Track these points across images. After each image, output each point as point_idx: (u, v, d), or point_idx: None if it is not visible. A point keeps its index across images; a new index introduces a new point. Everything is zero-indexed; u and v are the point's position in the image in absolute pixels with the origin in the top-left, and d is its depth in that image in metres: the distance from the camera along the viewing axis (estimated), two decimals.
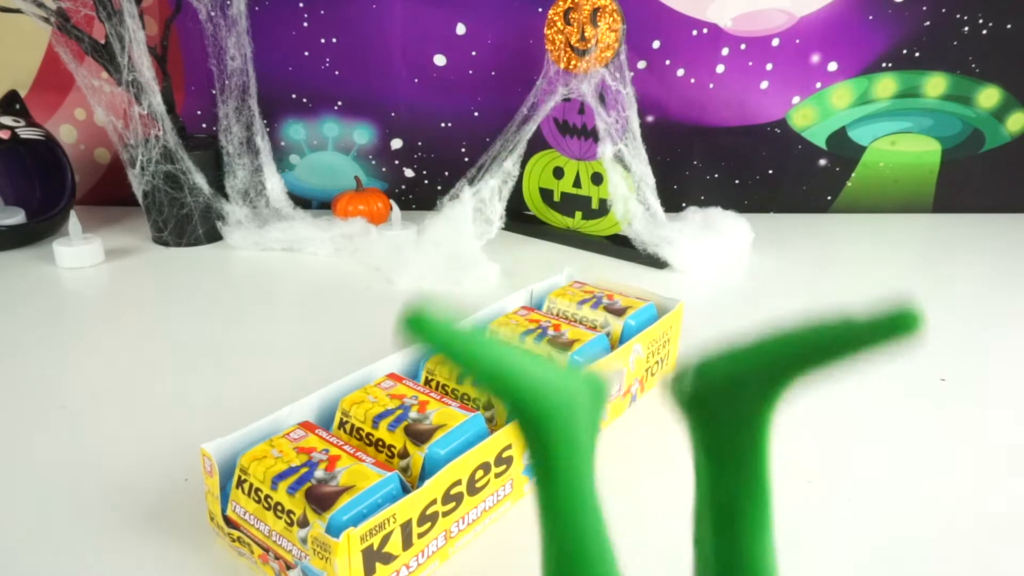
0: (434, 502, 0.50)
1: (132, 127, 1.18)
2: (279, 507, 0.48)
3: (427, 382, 0.66)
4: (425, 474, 0.53)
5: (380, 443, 0.55)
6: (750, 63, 1.37)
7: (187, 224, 1.24)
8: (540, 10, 1.31)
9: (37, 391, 0.77)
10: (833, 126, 1.42)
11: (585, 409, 0.25)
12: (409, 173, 1.48)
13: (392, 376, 0.63)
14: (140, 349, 0.88)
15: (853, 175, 1.46)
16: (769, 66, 1.37)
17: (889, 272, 1.18)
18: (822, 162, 1.45)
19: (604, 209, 1.24)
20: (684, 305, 0.79)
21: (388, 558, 0.47)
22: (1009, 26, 1.33)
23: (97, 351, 0.88)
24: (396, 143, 1.45)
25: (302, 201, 1.46)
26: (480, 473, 0.53)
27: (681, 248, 1.14)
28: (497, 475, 0.55)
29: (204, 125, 1.43)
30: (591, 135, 1.21)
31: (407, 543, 0.48)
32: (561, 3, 1.16)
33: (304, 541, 0.46)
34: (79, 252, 1.15)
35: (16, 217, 1.27)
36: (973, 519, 0.57)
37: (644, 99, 1.32)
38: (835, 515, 0.58)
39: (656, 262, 1.16)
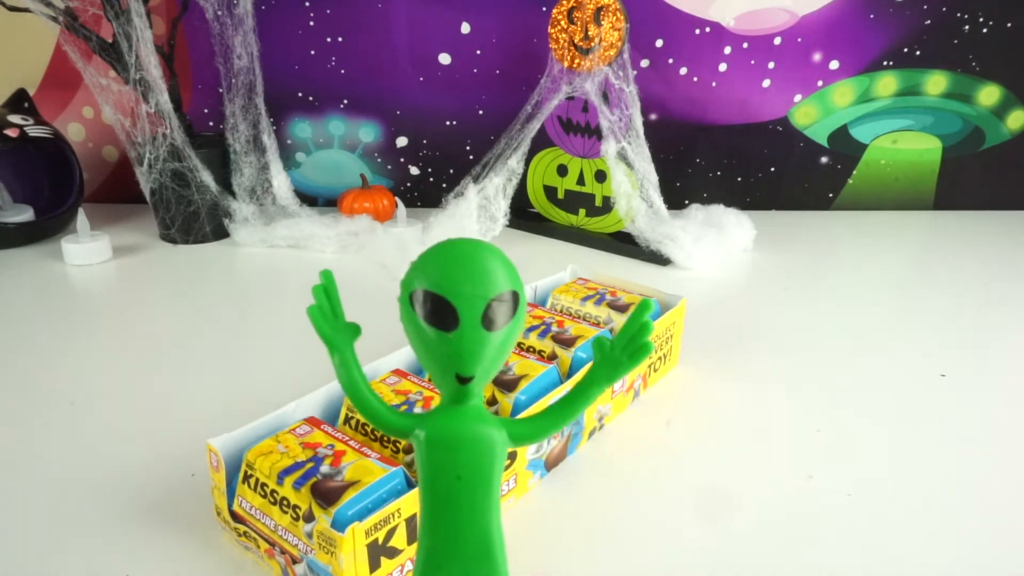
0: None
1: (140, 125, 1.19)
2: (285, 502, 0.49)
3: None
4: None
5: (385, 438, 0.56)
6: (752, 61, 1.37)
7: (194, 221, 1.25)
8: (544, 9, 1.32)
9: (45, 387, 0.78)
10: (834, 124, 1.43)
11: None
12: (414, 171, 1.49)
13: (397, 372, 0.64)
14: (147, 345, 0.89)
15: (854, 173, 1.47)
16: (771, 64, 1.37)
17: (890, 269, 1.19)
18: (824, 160, 1.46)
19: (607, 206, 1.24)
20: (687, 301, 0.80)
21: (393, 552, 0.48)
22: (1009, 24, 1.33)
23: (105, 347, 0.89)
24: (401, 141, 1.46)
25: (308, 198, 1.47)
26: None
27: (684, 245, 1.14)
28: None
29: (211, 123, 1.44)
30: (595, 133, 1.21)
31: (412, 537, 0.49)
32: (565, 2, 1.17)
33: (310, 536, 0.47)
34: (87, 249, 1.16)
35: (25, 215, 1.28)
36: (973, 514, 0.58)
37: (647, 97, 1.32)
38: (835, 510, 0.58)
39: (659, 259, 1.17)
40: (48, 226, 1.28)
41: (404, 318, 0.33)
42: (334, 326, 0.36)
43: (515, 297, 0.32)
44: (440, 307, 0.31)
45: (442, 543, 0.35)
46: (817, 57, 1.37)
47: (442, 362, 0.33)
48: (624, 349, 0.35)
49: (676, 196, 1.43)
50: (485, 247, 0.32)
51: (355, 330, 0.37)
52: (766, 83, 1.39)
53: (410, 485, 0.50)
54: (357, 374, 0.37)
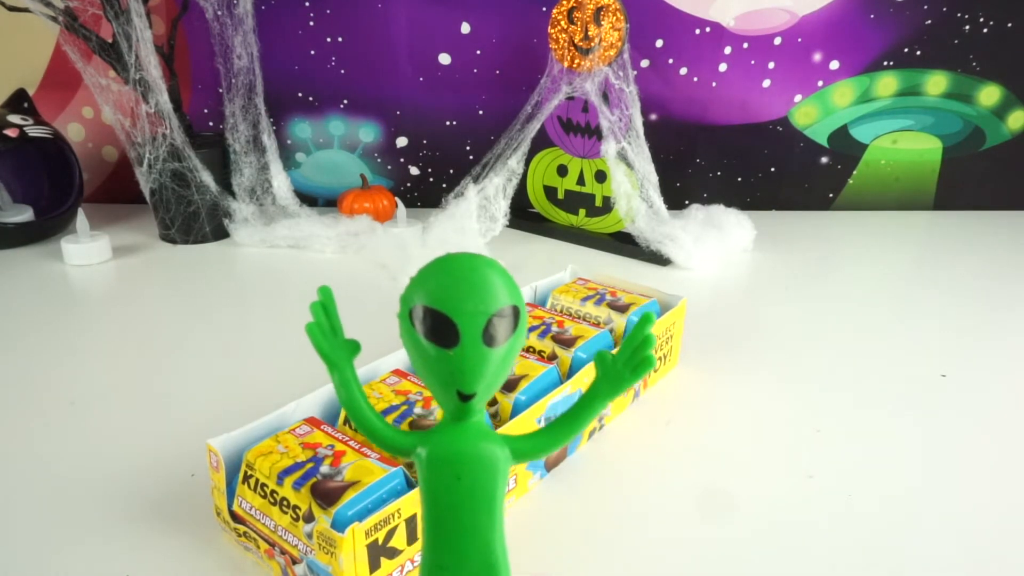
0: None
1: (139, 125, 1.19)
2: (285, 502, 0.49)
3: None
4: None
5: None
6: (752, 61, 1.37)
7: (194, 222, 1.25)
8: (544, 9, 1.32)
9: (45, 388, 0.78)
10: (835, 124, 1.43)
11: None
12: (414, 171, 1.49)
13: (397, 372, 0.64)
14: (147, 345, 0.89)
15: (854, 173, 1.47)
16: (771, 64, 1.37)
17: (890, 269, 1.19)
18: (824, 160, 1.46)
19: (608, 206, 1.24)
20: (687, 301, 0.80)
21: (393, 553, 0.48)
22: (1010, 24, 1.33)
23: (104, 348, 0.89)
24: (401, 141, 1.46)
25: (308, 199, 1.47)
26: None
27: (684, 245, 1.14)
28: None
29: (211, 123, 1.44)
30: (595, 133, 1.21)
31: (412, 538, 0.49)
32: (565, 2, 1.17)
33: (310, 536, 0.47)
34: (87, 249, 1.16)
35: (24, 215, 1.28)
36: (974, 514, 0.58)
37: (647, 97, 1.32)
38: (835, 510, 0.58)
39: (659, 259, 1.17)
40: (48, 226, 1.28)
41: (404, 334, 0.33)
42: (333, 343, 0.36)
43: (516, 312, 0.32)
44: (440, 324, 0.31)
45: (446, 560, 0.35)
46: (817, 57, 1.37)
47: (443, 379, 0.32)
48: (627, 363, 0.35)
49: (676, 196, 1.43)
50: (485, 261, 0.32)
51: (354, 347, 0.36)
52: (766, 83, 1.39)
53: (410, 485, 0.50)
54: (357, 392, 0.36)
